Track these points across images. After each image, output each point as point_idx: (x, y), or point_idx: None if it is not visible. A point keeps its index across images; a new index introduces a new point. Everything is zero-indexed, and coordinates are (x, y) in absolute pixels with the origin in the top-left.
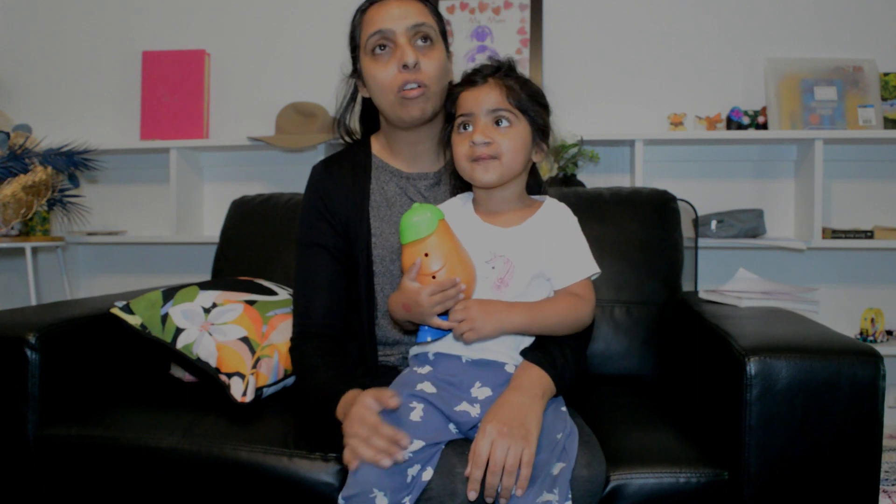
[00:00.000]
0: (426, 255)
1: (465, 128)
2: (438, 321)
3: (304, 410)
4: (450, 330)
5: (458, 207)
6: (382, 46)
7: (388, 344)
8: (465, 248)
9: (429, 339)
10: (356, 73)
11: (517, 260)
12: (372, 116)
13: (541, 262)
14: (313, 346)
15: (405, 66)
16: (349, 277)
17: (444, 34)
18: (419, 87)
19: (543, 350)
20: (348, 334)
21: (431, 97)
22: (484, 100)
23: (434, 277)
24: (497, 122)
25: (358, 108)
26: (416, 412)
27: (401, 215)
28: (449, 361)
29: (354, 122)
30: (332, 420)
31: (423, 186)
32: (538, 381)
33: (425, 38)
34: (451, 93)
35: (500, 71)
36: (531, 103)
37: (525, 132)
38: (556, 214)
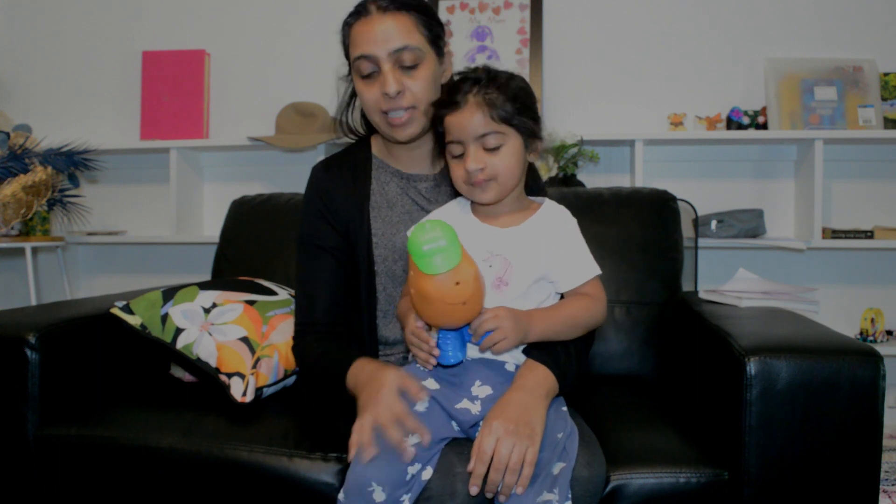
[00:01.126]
0: (457, 283)
1: (457, 153)
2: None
3: (314, 399)
4: (461, 348)
5: (456, 212)
6: (369, 73)
7: (389, 343)
8: (472, 258)
9: (456, 358)
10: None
11: (515, 259)
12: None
13: (540, 264)
14: (315, 339)
15: (387, 94)
16: (350, 278)
17: (437, 39)
18: (405, 111)
19: (548, 349)
20: (350, 333)
21: (419, 117)
22: (469, 125)
23: (465, 304)
24: (487, 146)
25: (359, 105)
26: (421, 407)
27: (402, 215)
28: (443, 368)
29: (356, 119)
30: (344, 394)
31: (424, 188)
32: (543, 380)
33: (411, 61)
34: (437, 113)
35: (479, 84)
36: (516, 111)
37: (516, 144)
38: (555, 216)
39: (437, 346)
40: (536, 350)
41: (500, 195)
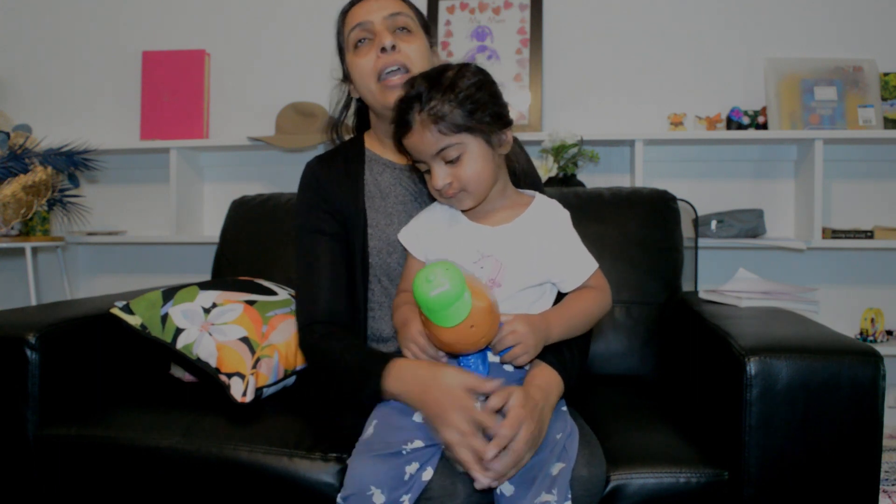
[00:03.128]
0: (472, 326)
1: (424, 170)
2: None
3: (314, 398)
4: (483, 362)
5: (446, 210)
6: (363, 40)
7: (383, 339)
8: (478, 281)
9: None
10: (346, 75)
11: (507, 260)
12: (365, 121)
13: (532, 264)
14: (326, 333)
15: (383, 50)
16: (348, 267)
17: (427, 28)
18: (400, 71)
19: (556, 350)
20: (354, 322)
21: None
22: (422, 146)
23: (484, 337)
24: (447, 159)
25: (352, 116)
26: (419, 413)
27: (395, 205)
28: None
29: (349, 125)
30: (369, 397)
31: (417, 178)
32: (555, 385)
33: (403, 27)
34: (394, 136)
35: (420, 100)
36: (467, 115)
37: (477, 148)
38: (546, 212)
39: (460, 366)
40: (546, 352)
41: (477, 200)
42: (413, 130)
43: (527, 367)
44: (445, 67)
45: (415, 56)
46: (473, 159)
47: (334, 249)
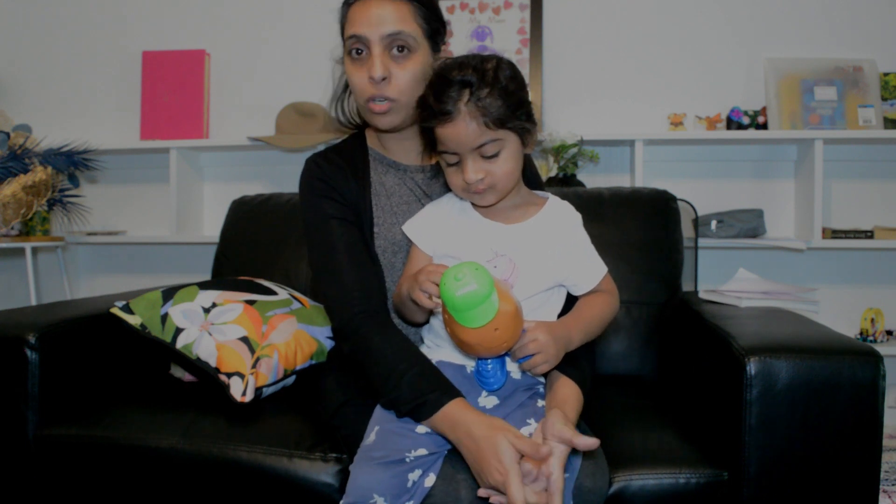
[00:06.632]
0: (496, 329)
1: (453, 161)
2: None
3: (314, 398)
4: (501, 368)
5: (455, 204)
6: (359, 51)
7: None
8: (506, 284)
9: (499, 382)
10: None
11: (521, 260)
12: None
13: (547, 267)
14: (374, 325)
15: (372, 79)
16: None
17: (435, 34)
18: (386, 101)
19: (574, 362)
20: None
21: (401, 110)
22: (464, 137)
23: (505, 343)
24: (485, 154)
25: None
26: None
27: (400, 205)
28: (452, 371)
29: (352, 111)
30: (408, 414)
31: (421, 179)
32: (580, 405)
33: (402, 47)
34: (425, 124)
35: (471, 88)
36: (510, 112)
37: (513, 145)
38: (561, 215)
39: (479, 371)
40: (567, 365)
41: (501, 197)
42: (455, 120)
43: (541, 379)
44: (483, 58)
45: (404, 86)
46: (509, 156)
47: (350, 232)
